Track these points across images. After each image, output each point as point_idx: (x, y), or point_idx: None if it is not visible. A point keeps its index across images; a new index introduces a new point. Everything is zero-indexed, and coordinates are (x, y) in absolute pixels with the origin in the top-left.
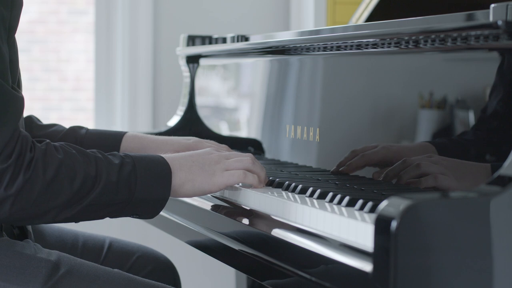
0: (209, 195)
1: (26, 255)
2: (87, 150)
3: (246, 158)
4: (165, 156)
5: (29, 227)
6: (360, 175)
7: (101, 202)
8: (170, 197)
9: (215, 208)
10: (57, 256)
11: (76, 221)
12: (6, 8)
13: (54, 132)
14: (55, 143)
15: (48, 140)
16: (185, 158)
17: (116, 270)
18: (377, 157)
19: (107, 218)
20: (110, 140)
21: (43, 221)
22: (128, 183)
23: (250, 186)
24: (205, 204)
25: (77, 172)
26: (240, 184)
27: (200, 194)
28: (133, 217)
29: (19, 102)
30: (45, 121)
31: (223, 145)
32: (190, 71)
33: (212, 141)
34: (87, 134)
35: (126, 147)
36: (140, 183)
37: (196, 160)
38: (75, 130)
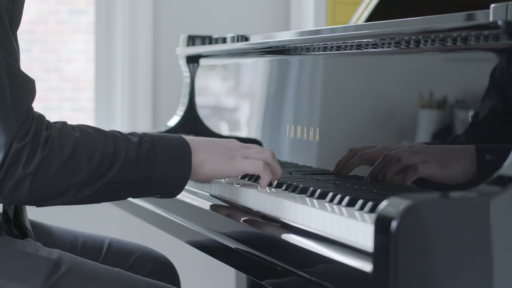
0: (209, 194)
1: (27, 253)
2: (105, 130)
3: (267, 151)
4: (185, 136)
5: (29, 226)
6: (360, 174)
7: (121, 180)
8: (190, 180)
9: (215, 208)
10: (58, 255)
11: (98, 201)
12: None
13: None
14: (72, 124)
15: (64, 121)
16: (205, 140)
17: (116, 269)
18: (377, 155)
19: (107, 217)
20: None
21: (63, 200)
22: (147, 161)
23: (249, 186)
24: (205, 204)
25: (95, 150)
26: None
27: (219, 176)
28: (155, 197)
29: (32, 84)
30: None
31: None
32: (190, 71)
33: None
34: None
35: None
36: (159, 161)
37: (216, 144)
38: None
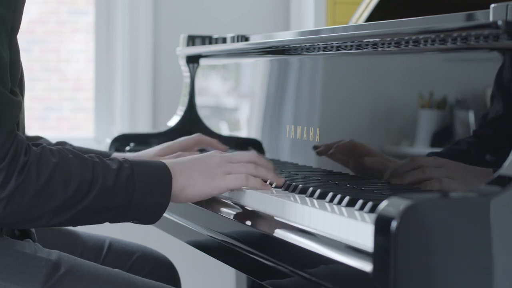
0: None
1: (26, 254)
2: (85, 155)
3: (249, 164)
4: (166, 161)
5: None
6: (360, 174)
7: (97, 207)
8: (170, 202)
9: (215, 208)
10: (57, 256)
11: (73, 225)
12: (9, 10)
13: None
14: (52, 147)
15: (44, 144)
16: (185, 163)
17: (116, 270)
18: (365, 151)
19: None
20: None
21: (37, 224)
22: (125, 188)
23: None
24: (205, 204)
25: (72, 176)
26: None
27: (201, 198)
28: (133, 222)
29: (16, 106)
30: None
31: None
32: (190, 71)
33: (193, 135)
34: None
35: None
36: (138, 188)
37: (197, 164)
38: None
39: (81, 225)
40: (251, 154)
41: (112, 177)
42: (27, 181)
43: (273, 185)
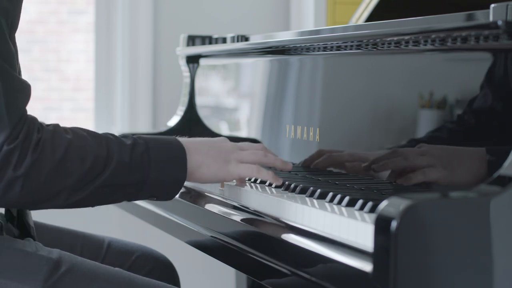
0: (209, 194)
1: (27, 252)
2: (98, 133)
3: (259, 151)
4: (181, 139)
5: (32, 224)
6: (361, 175)
7: (114, 183)
8: (187, 181)
9: (214, 208)
10: (58, 254)
11: (92, 204)
12: (11, 3)
13: None
14: (65, 126)
15: (57, 123)
16: (200, 143)
17: (116, 268)
18: (342, 159)
19: (107, 217)
20: None
21: (55, 203)
22: (141, 164)
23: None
24: (205, 203)
25: (88, 152)
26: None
27: (215, 180)
28: (151, 200)
29: (28, 89)
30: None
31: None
32: (190, 71)
33: None
34: None
35: None
36: (154, 164)
37: (212, 146)
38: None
39: (100, 204)
40: (260, 144)
41: (127, 153)
42: (42, 157)
43: (273, 185)
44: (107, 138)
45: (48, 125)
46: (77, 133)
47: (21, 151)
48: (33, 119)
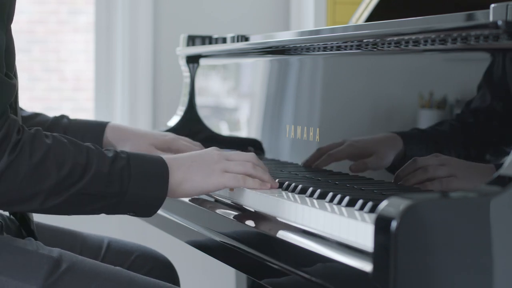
0: (210, 193)
1: (28, 251)
2: (80, 142)
3: (248, 163)
4: (164, 155)
5: (35, 228)
6: (361, 174)
7: (91, 193)
8: (168, 197)
9: (214, 208)
10: (58, 253)
11: (68, 212)
12: None
13: (39, 123)
14: (46, 132)
15: (39, 128)
16: (183, 158)
17: (117, 267)
18: (343, 154)
19: (107, 217)
20: (93, 130)
21: (30, 207)
22: (120, 177)
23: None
24: (205, 204)
25: (66, 159)
26: None
27: (198, 193)
28: (129, 215)
29: (9, 88)
30: None
31: (196, 143)
32: (190, 71)
33: (186, 138)
34: (70, 124)
35: (108, 137)
36: (134, 179)
37: (195, 160)
38: (59, 120)
39: (75, 214)
40: (250, 154)
41: (107, 164)
42: (19, 159)
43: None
44: (88, 148)
45: (30, 129)
46: (58, 139)
47: None
48: (14, 120)
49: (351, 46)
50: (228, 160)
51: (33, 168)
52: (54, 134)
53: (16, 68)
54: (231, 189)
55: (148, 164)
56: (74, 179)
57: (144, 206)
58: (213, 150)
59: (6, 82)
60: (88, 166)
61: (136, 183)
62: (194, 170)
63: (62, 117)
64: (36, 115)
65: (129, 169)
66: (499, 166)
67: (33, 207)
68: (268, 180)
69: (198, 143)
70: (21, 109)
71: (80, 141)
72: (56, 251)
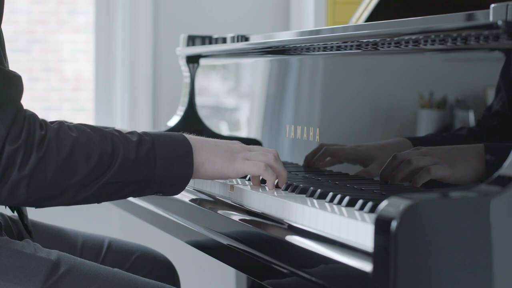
0: (211, 193)
1: (26, 254)
2: (104, 129)
3: (269, 154)
4: (187, 135)
5: (29, 223)
6: (361, 174)
7: (121, 180)
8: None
9: (215, 208)
10: (57, 256)
11: (99, 201)
12: None
13: None
14: (69, 123)
15: (61, 120)
16: (207, 140)
17: (116, 269)
18: (341, 153)
19: (107, 217)
20: None
21: (62, 201)
22: (147, 161)
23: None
24: (205, 204)
25: (93, 150)
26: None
27: (219, 177)
28: (156, 195)
29: (18, 81)
30: None
31: None
32: (190, 71)
33: None
34: None
35: None
36: (160, 160)
37: (218, 144)
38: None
39: (106, 200)
40: (272, 149)
41: (133, 150)
42: (47, 156)
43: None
44: (112, 135)
45: (52, 123)
46: (82, 130)
47: (25, 150)
48: (33, 116)
49: (351, 46)
50: (250, 151)
51: (62, 163)
52: (76, 124)
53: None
54: (231, 189)
55: (173, 145)
56: (103, 169)
57: (171, 186)
58: (236, 142)
59: (13, 76)
60: (115, 154)
61: (162, 165)
62: (217, 153)
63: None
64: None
65: (154, 151)
66: (498, 166)
67: (66, 201)
68: (285, 178)
69: None
70: None
71: (102, 128)
72: (54, 254)
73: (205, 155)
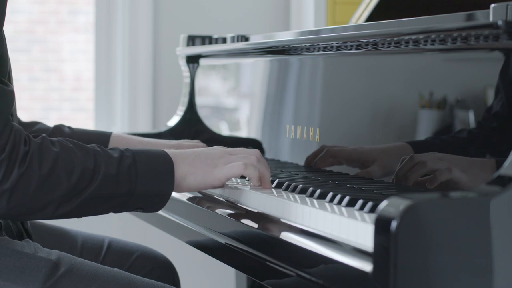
0: (210, 192)
1: (26, 254)
2: (85, 145)
3: (251, 155)
4: (168, 150)
5: (29, 226)
6: (361, 174)
7: (101, 196)
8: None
9: (214, 208)
10: (57, 255)
11: (78, 216)
12: None
13: (38, 130)
14: (51, 138)
15: (44, 135)
16: (187, 153)
17: (116, 269)
18: (343, 154)
19: (107, 217)
20: (97, 140)
21: (42, 215)
22: (128, 176)
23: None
24: (205, 204)
25: (75, 165)
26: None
27: (202, 187)
28: (137, 211)
29: (9, 96)
30: (45, 121)
31: (202, 144)
32: (190, 71)
33: (196, 141)
34: (73, 134)
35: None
36: (141, 176)
37: (199, 155)
38: (61, 129)
39: (87, 215)
40: (254, 150)
41: (114, 165)
42: (29, 171)
43: (273, 185)
44: (94, 151)
45: (35, 137)
46: (64, 145)
47: (8, 164)
48: (20, 131)
49: (351, 46)
50: (231, 154)
51: (44, 178)
52: (59, 139)
53: (11, 74)
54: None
55: (154, 160)
56: (84, 184)
57: (151, 202)
58: (217, 147)
59: (5, 90)
60: (97, 169)
61: (144, 180)
62: (197, 164)
63: (63, 126)
64: (35, 124)
65: (135, 167)
66: (500, 162)
67: (47, 215)
68: (268, 178)
69: (203, 144)
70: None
71: (84, 144)
72: (54, 254)
73: (187, 168)
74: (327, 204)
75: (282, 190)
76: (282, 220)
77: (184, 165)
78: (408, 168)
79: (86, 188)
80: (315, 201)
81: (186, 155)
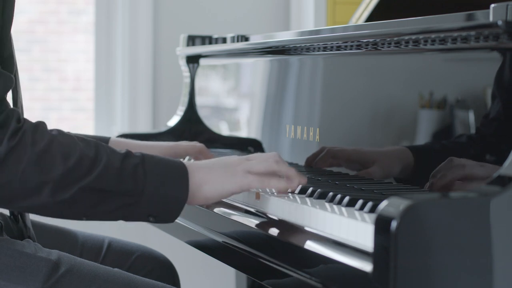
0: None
1: (26, 254)
2: (87, 138)
3: (269, 159)
4: (183, 161)
5: (30, 226)
6: (361, 174)
7: (102, 188)
8: (187, 204)
9: (214, 208)
10: (57, 255)
11: (83, 212)
12: None
13: None
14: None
15: (43, 121)
16: (204, 162)
17: (116, 269)
18: (343, 155)
19: None
20: None
21: (36, 200)
22: (134, 174)
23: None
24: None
25: (72, 150)
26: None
27: (221, 196)
28: (149, 221)
29: (6, 79)
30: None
31: (201, 144)
32: (190, 71)
33: (195, 142)
34: None
35: None
36: (151, 177)
37: (215, 163)
38: None
39: (91, 216)
40: (272, 153)
41: (117, 159)
42: (20, 146)
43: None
44: (97, 143)
45: (33, 122)
46: (64, 133)
47: None
48: (13, 110)
49: (351, 46)
50: (249, 160)
51: (36, 156)
52: (58, 129)
53: (18, 75)
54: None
55: (166, 165)
56: (82, 171)
57: (164, 209)
58: (232, 155)
59: (6, 74)
60: (98, 159)
61: (154, 181)
62: (215, 172)
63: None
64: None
65: (143, 166)
66: (498, 166)
67: (42, 201)
68: (294, 176)
69: (202, 145)
70: None
71: (87, 138)
72: (54, 254)
73: (202, 175)
74: (327, 204)
75: None
76: (282, 220)
77: (199, 173)
78: (447, 168)
79: (84, 175)
80: (315, 201)
81: (202, 164)
